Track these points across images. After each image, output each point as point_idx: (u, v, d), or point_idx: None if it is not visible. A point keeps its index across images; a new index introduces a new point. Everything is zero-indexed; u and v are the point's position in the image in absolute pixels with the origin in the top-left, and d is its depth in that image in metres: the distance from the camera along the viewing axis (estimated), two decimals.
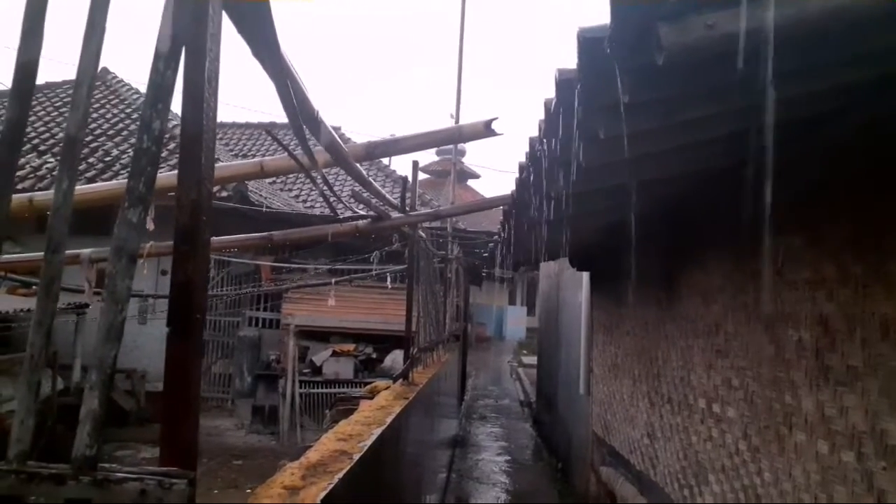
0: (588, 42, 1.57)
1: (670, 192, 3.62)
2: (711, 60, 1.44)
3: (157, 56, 1.28)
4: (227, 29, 1.61)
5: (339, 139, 2.71)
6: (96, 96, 14.26)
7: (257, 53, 1.82)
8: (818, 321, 2.60)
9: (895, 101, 2.07)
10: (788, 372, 2.82)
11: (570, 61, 1.75)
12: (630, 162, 2.10)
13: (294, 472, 2.27)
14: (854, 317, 2.36)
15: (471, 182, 38.08)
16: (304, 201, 13.81)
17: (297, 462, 2.42)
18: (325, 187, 3.15)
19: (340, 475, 2.26)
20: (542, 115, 2.37)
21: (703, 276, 3.85)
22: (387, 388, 4.99)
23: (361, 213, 4.87)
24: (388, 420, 3.38)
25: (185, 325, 1.33)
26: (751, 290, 3.22)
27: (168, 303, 1.31)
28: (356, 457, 2.55)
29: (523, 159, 3.10)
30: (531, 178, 2.96)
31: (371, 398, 4.59)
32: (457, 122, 11.73)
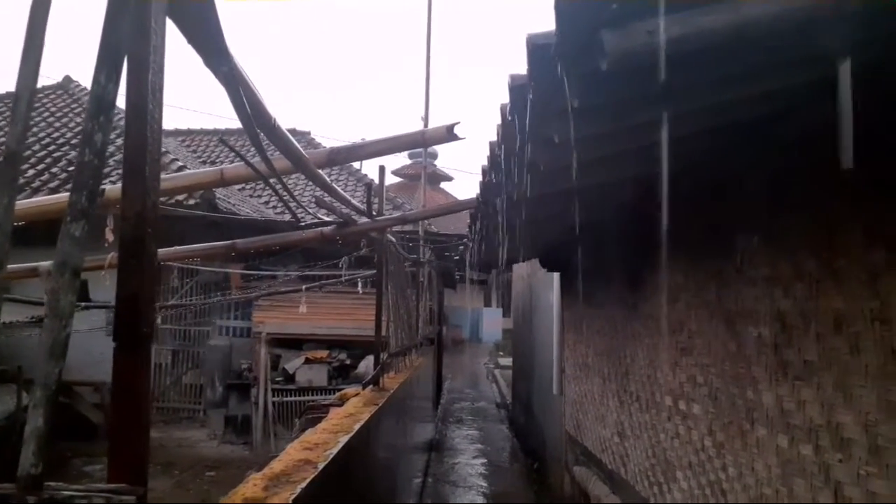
0: (537, 48, 1.58)
1: (631, 193, 3.66)
2: (655, 65, 1.46)
3: (98, 67, 1.27)
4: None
5: (297, 145, 2.70)
6: (58, 105, 14.03)
7: (208, 62, 1.81)
8: (776, 317, 2.65)
9: (839, 102, 2.12)
10: (749, 368, 2.87)
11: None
12: (585, 165, 2.12)
13: (256, 483, 2.25)
14: (809, 312, 2.41)
15: (443, 185, 38.16)
16: (274, 207, 13.68)
17: (260, 473, 2.40)
18: (285, 194, 3.13)
19: (304, 485, 2.25)
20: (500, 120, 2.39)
21: (667, 274, 3.90)
22: (356, 394, 4.97)
23: (328, 218, 4.85)
24: (356, 427, 3.37)
25: (133, 339, 1.31)
26: (712, 288, 3.26)
27: (113, 317, 1.30)
28: (321, 466, 2.53)
29: (486, 163, 3.12)
30: (494, 181, 2.98)
31: (341, 405, 4.57)
32: (426, 125, 11.72)
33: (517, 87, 1.89)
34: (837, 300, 2.24)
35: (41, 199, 4.44)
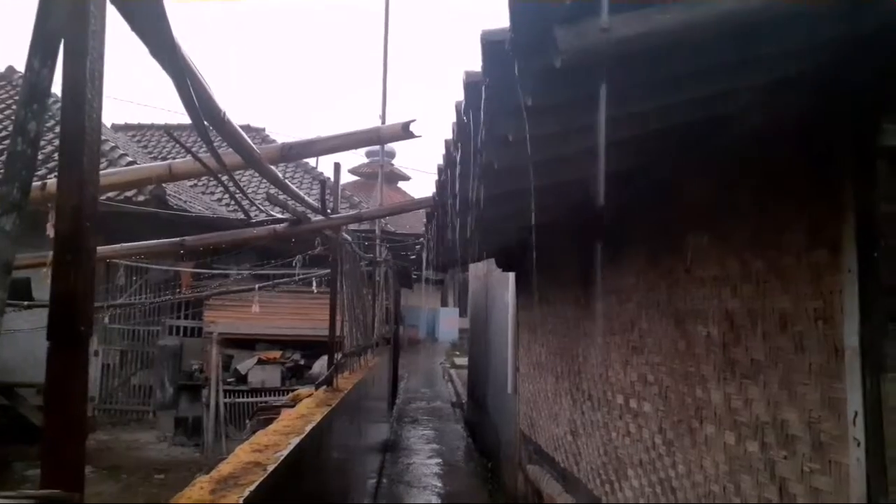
0: (491, 45, 1.57)
1: (584, 194, 3.69)
2: (609, 63, 1.46)
3: (32, 51, 1.20)
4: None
5: (249, 140, 2.64)
6: (1, 96, 13.52)
7: (153, 51, 1.75)
8: (724, 317, 2.70)
9: (789, 104, 2.17)
10: (698, 366, 2.92)
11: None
12: (539, 164, 2.12)
13: (203, 486, 2.19)
14: (755, 311, 2.46)
15: (401, 184, 38.00)
16: (227, 205, 13.42)
17: (207, 475, 2.33)
18: (236, 190, 3.05)
19: (252, 487, 2.19)
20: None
21: (618, 275, 3.94)
22: (309, 395, 4.90)
23: (282, 216, 4.77)
24: (308, 429, 3.31)
25: (69, 338, 1.25)
26: (663, 288, 3.31)
27: (48, 315, 1.24)
28: (270, 468, 2.48)
29: (442, 161, 3.10)
30: (449, 180, 2.96)
31: (293, 406, 4.50)
32: (383, 122, 11.65)
33: (472, 85, 1.88)
34: (783, 299, 2.28)
35: None
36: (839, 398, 1.97)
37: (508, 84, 1.59)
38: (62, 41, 1.23)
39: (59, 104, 1.27)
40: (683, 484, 3.06)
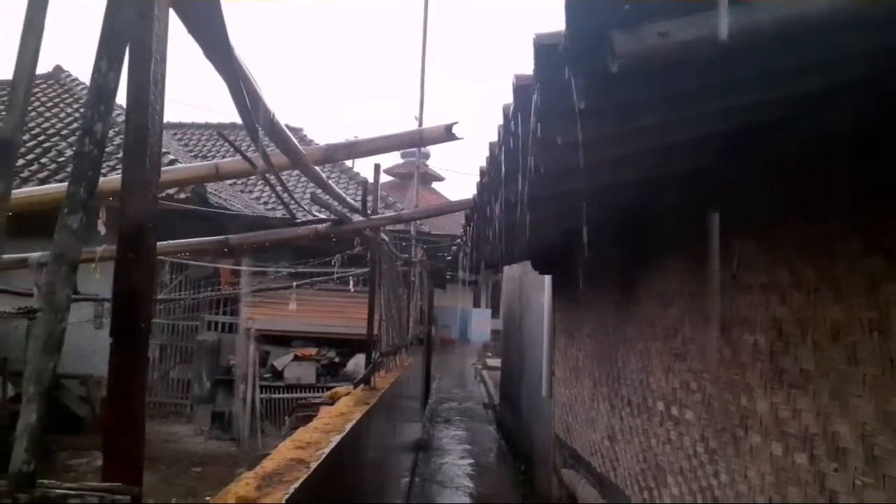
0: (544, 49, 1.56)
1: (629, 197, 3.65)
2: (666, 68, 1.45)
3: (100, 55, 1.24)
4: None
5: (296, 142, 2.67)
6: (49, 95, 13.89)
7: (209, 54, 1.78)
8: (772, 325, 2.64)
9: (844, 109, 2.12)
10: (744, 375, 2.86)
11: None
12: (587, 168, 2.10)
13: (249, 482, 2.22)
14: (806, 320, 2.40)
15: (435, 185, 38.10)
16: (266, 204, 13.62)
17: (252, 472, 2.37)
18: (281, 190, 3.09)
19: (297, 484, 2.22)
20: (501, 121, 2.37)
21: (661, 279, 3.89)
22: (347, 393, 4.94)
23: (322, 216, 4.82)
24: (348, 427, 3.34)
25: (130, 335, 1.28)
26: (707, 294, 3.26)
27: (111, 311, 1.27)
28: (313, 465, 2.50)
29: (485, 163, 3.10)
30: (492, 182, 2.96)
31: (331, 404, 4.54)
32: (420, 124, 11.70)
33: (521, 88, 1.87)
34: (835, 309, 2.23)
35: (32, 190, 4.38)
36: (895, 412, 1.92)
37: (560, 87, 1.58)
38: (128, 44, 1.26)
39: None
40: (726, 493, 3.00)
